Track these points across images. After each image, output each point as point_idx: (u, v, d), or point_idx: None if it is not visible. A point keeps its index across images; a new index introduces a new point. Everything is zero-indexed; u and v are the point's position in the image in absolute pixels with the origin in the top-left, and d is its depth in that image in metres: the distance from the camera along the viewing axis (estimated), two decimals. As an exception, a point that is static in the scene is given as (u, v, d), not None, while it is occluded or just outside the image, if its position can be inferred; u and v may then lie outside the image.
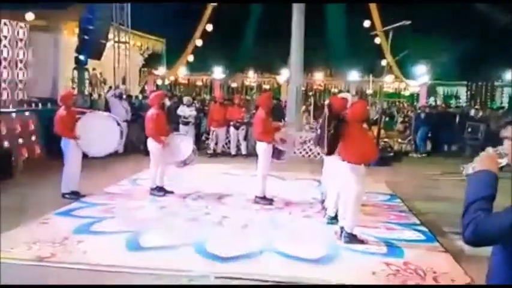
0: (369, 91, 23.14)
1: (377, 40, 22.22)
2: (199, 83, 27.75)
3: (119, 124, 7.15)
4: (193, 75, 27.12)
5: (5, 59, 9.74)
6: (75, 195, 6.89)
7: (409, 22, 12.41)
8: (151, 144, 6.93)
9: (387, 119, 18.13)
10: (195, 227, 5.66)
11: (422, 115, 13.86)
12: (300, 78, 13.32)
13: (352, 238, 5.30)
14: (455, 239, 5.70)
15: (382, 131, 14.93)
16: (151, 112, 6.96)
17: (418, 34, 20.40)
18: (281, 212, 6.59)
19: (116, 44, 13.28)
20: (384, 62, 19.19)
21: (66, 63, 13.08)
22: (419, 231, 5.95)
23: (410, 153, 13.84)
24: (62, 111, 6.89)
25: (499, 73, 24.20)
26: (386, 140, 14.40)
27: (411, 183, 9.46)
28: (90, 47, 11.44)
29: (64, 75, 13.37)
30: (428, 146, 14.28)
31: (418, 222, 6.39)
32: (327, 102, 5.48)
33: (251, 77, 27.06)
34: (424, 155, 13.42)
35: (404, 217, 6.63)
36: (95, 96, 14.39)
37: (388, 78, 24.65)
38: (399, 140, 14.74)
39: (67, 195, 6.84)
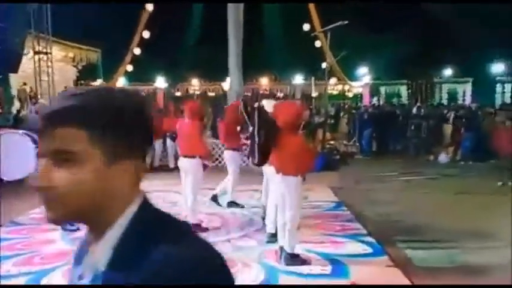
0: (314, 94, 23.04)
1: (318, 43, 22.15)
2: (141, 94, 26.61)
3: (36, 142, 6.27)
4: (135, 85, 26.01)
5: None
6: None
7: (346, 22, 12.26)
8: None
9: (332, 121, 17.95)
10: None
11: (365, 115, 13.65)
12: (239, 83, 12.75)
13: (294, 259, 4.71)
14: (403, 248, 5.31)
15: (328, 134, 14.69)
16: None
17: (357, 35, 20.52)
18: (217, 233, 5.91)
19: (37, 55, 12.15)
20: (325, 65, 19.05)
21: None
22: (366, 243, 5.45)
23: (356, 154, 13.59)
24: None
25: (438, 70, 24.77)
26: (332, 142, 14.12)
27: (358, 187, 9.08)
28: (3, 58, 10.30)
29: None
30: (374, 147, 14.10)
31: (365, 232, 5.91)
32: (256, 105, 4.85)
33: (195, 85, 26.32)
34: (369, 156, 13.17)
35: (350, 228, 6.12)
36: (24, 113, 13.18)
37: (332, 81, 24.76)
38: (345, 142, 14.50)
39: None
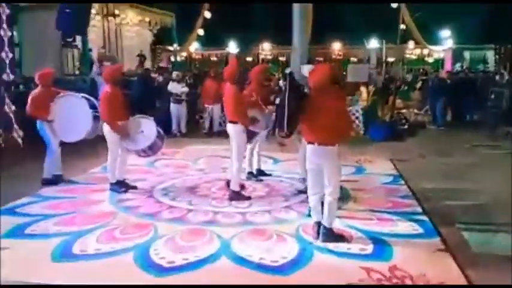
0: (389, 59, 21.80)
1: (394, 5, 20.72)
2: (213, 58, 26.83)
3: (94, 107, 6.39)
4: (207, 50, 26.22)
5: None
6: (58, 179, 6.48)
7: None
8: (106, 129, 5.99)
9: (406, 88, 16.90)
10: (148, 226, 4.84)
11: (436, 81, 12.59)
12: (303, 47, 12.20)
13: (332, 235, 4.41)
14: (461, 231, 4.78)
15: (400, 102, 13.79)
16: (104, 91, 6.03)
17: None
18: (259, 202, 5.71)
19: (105, 18, 12.43)
20: (401, 27, 17.79)
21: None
22: (418, 221, 4.99)
23: (428, 124, 12.67)
24: (37, 91, 6.42)
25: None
26: (403, 111, 13.30)
27: (422, 160, 8.42)
28: (71, 21, 10.60)
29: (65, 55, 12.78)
30: (449, 117, 13.05)
31: (419, 210, 5.43)
32: (288, 71, 4.47)
33: (266, 50, 26.02)
34: (442, 127, 12.20)
35: (404, 204, 5.65)
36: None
37: (410, 44, 23.24)
38: (415, 111, 13.57)
39: (45, 181, 6.38)
